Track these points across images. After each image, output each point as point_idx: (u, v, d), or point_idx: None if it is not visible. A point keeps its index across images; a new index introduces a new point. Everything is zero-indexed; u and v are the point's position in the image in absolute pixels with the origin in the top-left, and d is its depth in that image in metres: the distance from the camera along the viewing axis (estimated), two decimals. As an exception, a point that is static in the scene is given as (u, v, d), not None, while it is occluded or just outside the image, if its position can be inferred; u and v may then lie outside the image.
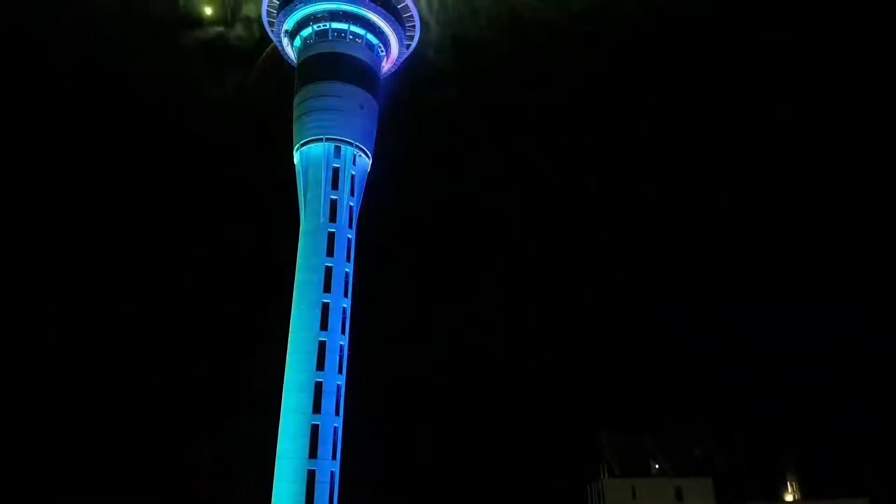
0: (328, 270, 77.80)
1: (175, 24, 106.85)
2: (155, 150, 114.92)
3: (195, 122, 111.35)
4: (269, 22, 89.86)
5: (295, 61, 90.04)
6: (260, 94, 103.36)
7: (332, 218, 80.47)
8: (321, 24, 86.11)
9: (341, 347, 75.30)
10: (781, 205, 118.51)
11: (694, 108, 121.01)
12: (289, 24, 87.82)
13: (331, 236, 79.62)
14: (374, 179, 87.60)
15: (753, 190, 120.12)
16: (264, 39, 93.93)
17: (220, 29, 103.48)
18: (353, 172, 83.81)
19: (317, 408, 71.64)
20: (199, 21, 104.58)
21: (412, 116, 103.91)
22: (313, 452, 70.61)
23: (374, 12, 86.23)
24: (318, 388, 72.57)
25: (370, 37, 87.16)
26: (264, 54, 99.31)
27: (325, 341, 74.32)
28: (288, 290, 78.82)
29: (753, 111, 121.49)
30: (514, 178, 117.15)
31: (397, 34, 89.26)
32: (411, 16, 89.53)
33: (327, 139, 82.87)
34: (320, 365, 73.17)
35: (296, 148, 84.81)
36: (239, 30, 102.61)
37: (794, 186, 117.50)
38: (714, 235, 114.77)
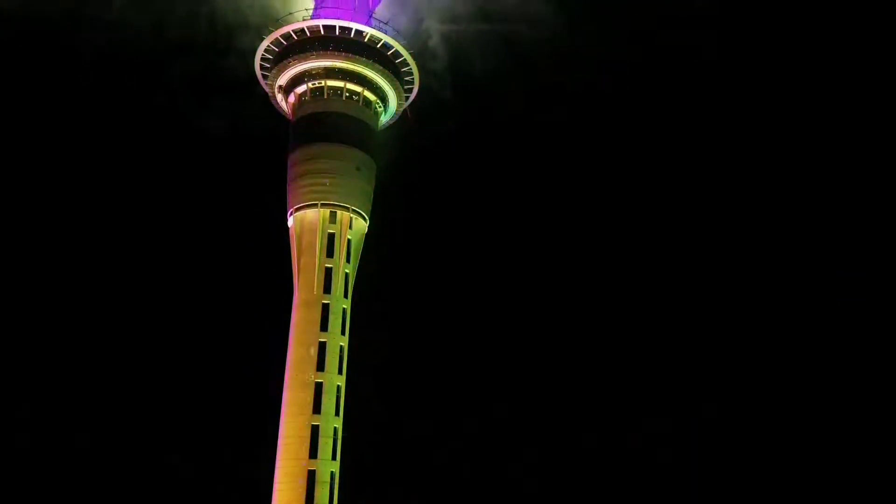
0: (322, 346, 74.66)
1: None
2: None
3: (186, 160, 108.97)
4: (263, 75, 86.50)
5: (289, 115, 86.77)
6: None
7: (327, 288, 77.24)
8: (316, 82, 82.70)
9: (335, 432, 72.20)
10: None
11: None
12: (283, 80, 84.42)
13: (325, 308, 76.45)
14: (372, 240, 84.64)
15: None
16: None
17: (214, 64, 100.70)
18: (350, 237, 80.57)
19: (309, 500, 68.66)
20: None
21: (413, 163, 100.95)
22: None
23: (371, 69, 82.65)
24: (312, 476, 69.56)
25: (367, 94, 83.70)
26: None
27: (318, 426, 71.26)
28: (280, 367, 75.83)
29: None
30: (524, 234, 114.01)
31: (395, 89, 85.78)
32: (409, 70, 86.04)
33: (322, 205, 79.64)
34: (313, 453, 70.11)
35: (289, 212, 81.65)
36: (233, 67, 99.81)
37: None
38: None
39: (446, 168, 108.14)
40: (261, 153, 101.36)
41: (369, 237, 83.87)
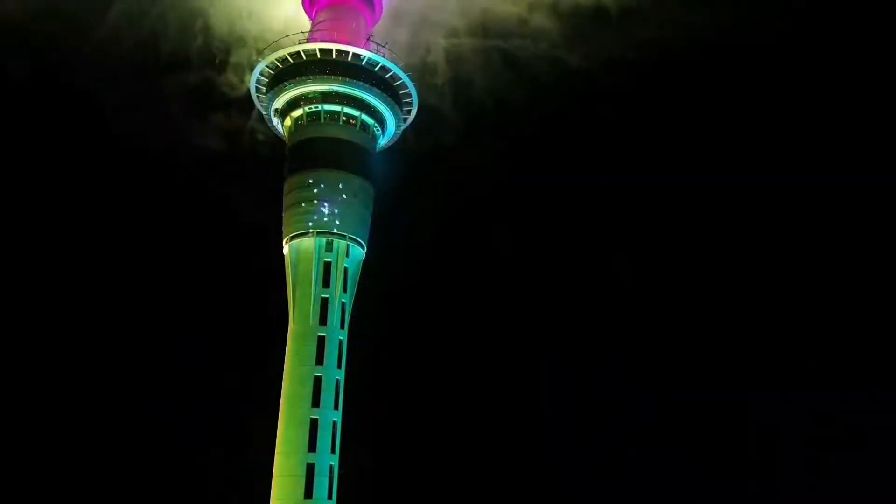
0: (317, 380, 72.63)
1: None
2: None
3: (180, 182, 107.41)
4: (258, 98, 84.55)
5: (285, 138, 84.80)
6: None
7: (323, 320, 75.20)
8: (313, 106, 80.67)
9: (331, 470, 70.15)
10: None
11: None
12: (279, 104, 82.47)
13: (321, 340, 74.30)
14: (370, 268, 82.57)
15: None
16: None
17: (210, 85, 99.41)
18: (346, 265, 78.56)
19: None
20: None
21: (413, 184, 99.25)
22: None
23: (369, 93, 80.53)
24: (306, 518, 67.61)
25: (365, 118, 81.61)
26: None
27: (313, 464, 69.23)
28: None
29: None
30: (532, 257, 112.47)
31: (393, 112, 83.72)
32: (408, 92, 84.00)
33: (318, 233, 77.66)
34: (308, 493, 68.10)
35: (285, 239, 79.67)
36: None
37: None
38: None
39: (447, 187, 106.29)
40: (260, 172, 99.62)
41: (367, 265, 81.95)
